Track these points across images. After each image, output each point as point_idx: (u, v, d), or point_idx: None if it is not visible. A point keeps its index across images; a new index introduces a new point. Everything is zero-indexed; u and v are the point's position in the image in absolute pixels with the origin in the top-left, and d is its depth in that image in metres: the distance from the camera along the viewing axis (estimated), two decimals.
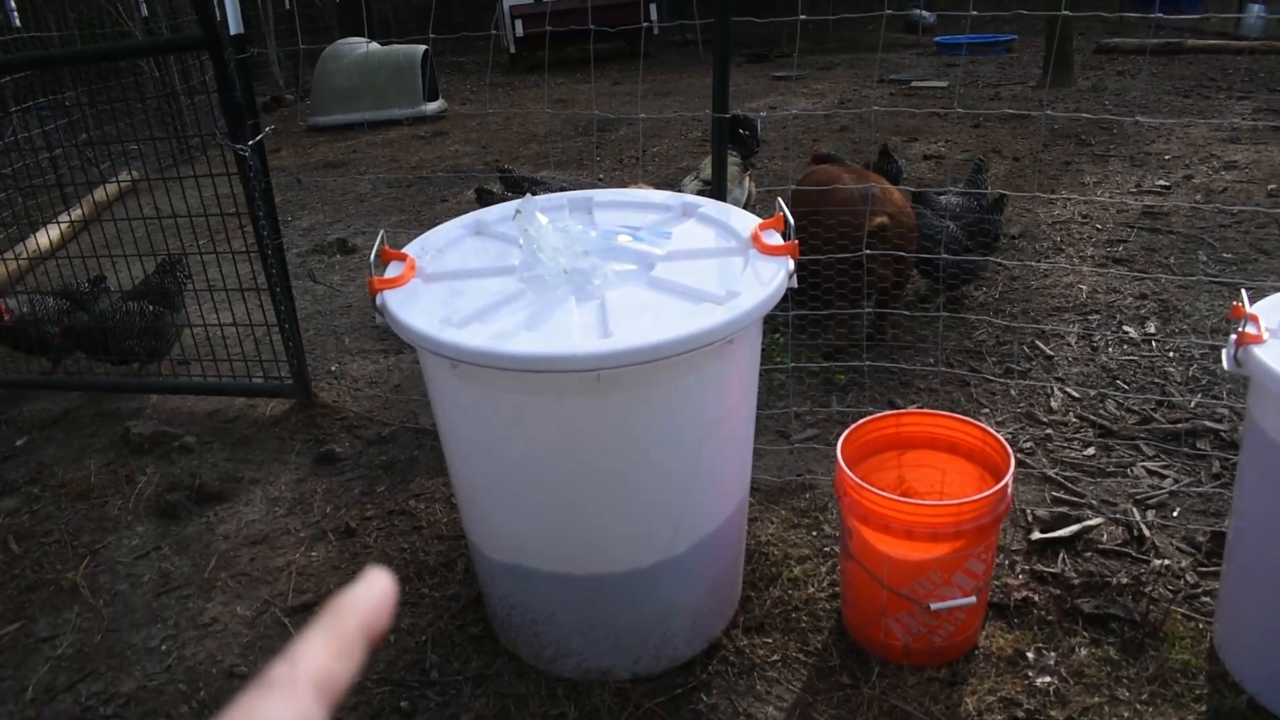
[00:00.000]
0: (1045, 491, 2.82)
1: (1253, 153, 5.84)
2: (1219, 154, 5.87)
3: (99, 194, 5.57)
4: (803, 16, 2.83)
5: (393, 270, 2.09)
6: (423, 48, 8.72)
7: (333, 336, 4.21)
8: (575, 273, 1.99)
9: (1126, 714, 2.05)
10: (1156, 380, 3.36)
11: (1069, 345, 3.65)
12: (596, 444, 1.93)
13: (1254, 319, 1.91)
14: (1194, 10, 10.39)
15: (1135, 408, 3.19)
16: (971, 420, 2.28)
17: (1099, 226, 4.83)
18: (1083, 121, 6.72)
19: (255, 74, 3.13)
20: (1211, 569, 2.44)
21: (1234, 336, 1.91)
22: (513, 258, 2.12)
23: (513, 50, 11.20)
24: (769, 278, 1.96)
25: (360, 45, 8.92)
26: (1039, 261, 4.43)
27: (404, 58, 8.77)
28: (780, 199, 2.22)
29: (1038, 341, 3.68)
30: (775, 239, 2.11)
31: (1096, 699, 2.09)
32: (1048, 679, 2.15)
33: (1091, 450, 2.99)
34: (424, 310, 1.92)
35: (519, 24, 10.78)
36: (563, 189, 3.74)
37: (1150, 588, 2.38)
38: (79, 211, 5.12)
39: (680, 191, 4.22)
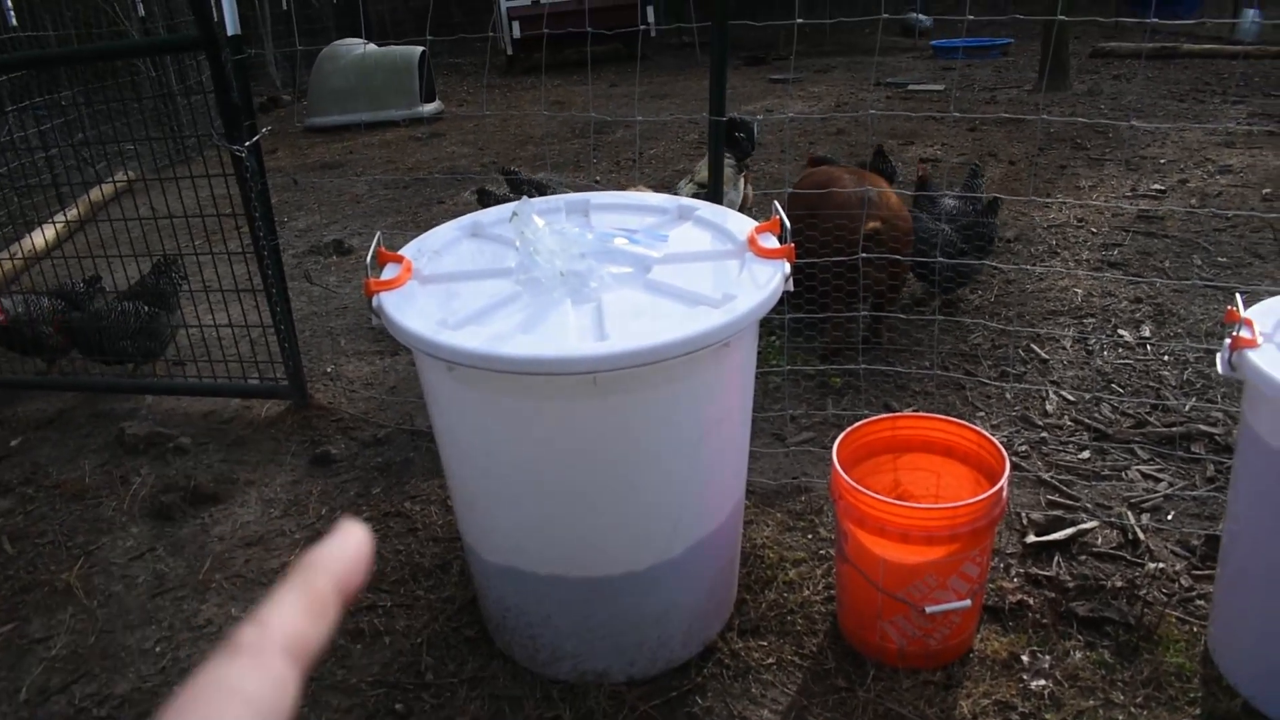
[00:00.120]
0: (1040, 495, 2.82)
1: (1247, 157, 5.86)
2: (1214, 158, 5.88)
3: (95, 194, 5.56)
4: (800, 20, 2.83)
5: (389, 272, 2.09)
6: (420, 49, 8.71)
7: (328, 338, 4.21)
8: (572, 275, 1.99)
9: (1121, 717, 2.06)
10: (1151, 384, 3.36)
11: (1064, 349, 3.66)
12: (592, 447, 1.93)
13: (1248, 323, 1.92)
14: (1190, 15, 10.41)
15: (1130, 411, 3.20)
16: (967, 424, 2.28)
17: (1094, 230, 4.84)
18: (1078, 125, 6.73)
19: (252, 74, 3.13)
20: (1206, 572, 2.44)
21: (1228, 340, 1.91)
22: (509, 260, 2.12)
23: (510, 52, 11.20)
24: (765, 281, 1.96)
25: (357, 46, 8.92)
26: (1034, 265, 4.44)
27: (401, 59, 8.77)
28: (777, 202, 2.22)
29: (1033, 345, 3.69)
30: (772, 242, 2.11)
31: (1091, 702, 2.10)
32: (1042, 682, 2.15)
33: (1086, 454, 3.00)
34: (420, 312, 1.91)
35: (516, 25, 10.78)
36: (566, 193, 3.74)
37: (1145, 591, 2.38)
38: (75, 211, 5.11)
39: (676, 194, 4.23)
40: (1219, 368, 1.94)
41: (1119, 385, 3.37)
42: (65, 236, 4.73)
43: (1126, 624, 2.29)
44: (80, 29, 7.36)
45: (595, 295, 1.97)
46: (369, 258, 2.10)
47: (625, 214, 2.38)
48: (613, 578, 2.09)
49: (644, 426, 1.92)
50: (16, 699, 2.33)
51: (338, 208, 6.28)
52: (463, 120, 8.98)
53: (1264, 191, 5.21)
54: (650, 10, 10.67)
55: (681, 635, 2.23)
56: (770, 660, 2.26)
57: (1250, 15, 9.89)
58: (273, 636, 0.44)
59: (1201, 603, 2.35)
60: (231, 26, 3.05)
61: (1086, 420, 3.16)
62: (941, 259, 3.46)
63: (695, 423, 1.98)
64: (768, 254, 2.07)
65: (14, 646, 2.50)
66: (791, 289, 2.06)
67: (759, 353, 2.28)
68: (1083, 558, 2.54)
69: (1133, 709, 2.08)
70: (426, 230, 2.33)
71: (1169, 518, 2.68)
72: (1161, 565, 2.48)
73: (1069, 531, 2.61)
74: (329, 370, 3.90)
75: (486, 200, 4.21)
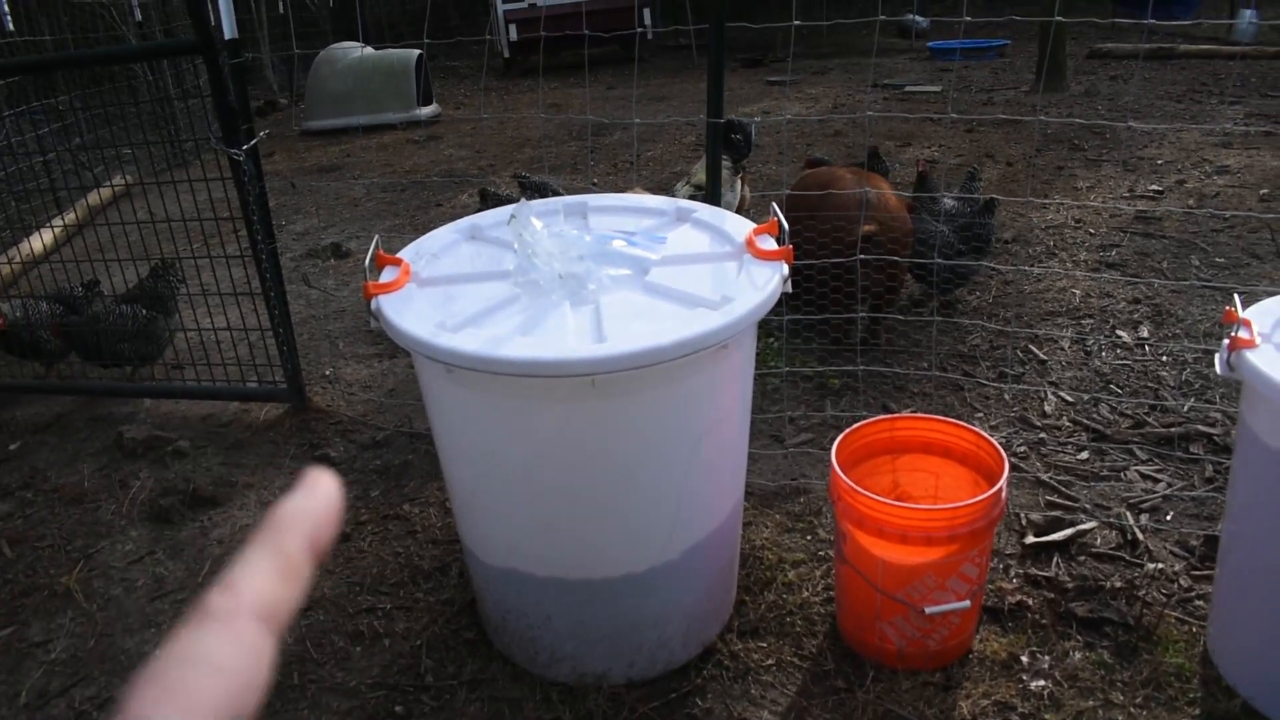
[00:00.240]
0: (1039, 496, 2.82)
1: (1245, 158, 5.87)
2: (1211, 159, 5.89)
3: (92, 198, 5.55)
4: (797, 22, 2.83)
5: (387, 275, 2.09)
6: (417, 52, 8.72)
7: (327, 341, 4.21)
8: (570, 277, 1.99)
9: (1120, 717, 2.06)
10: (1150, 384, 3.37)
11: (1062, 350, 3.66)
12: (591, 449, 1.93)
13: (1246, 324, 1.92)
14: (1186, 16, 10.42)
15: (1128, 412, 3.20)
16: (965, 424, 2.28)
17: (1092, 231, 4.85)
18: (1076, 126, 6.74)
19: (249, 78, 3.14)
20: (1205, 573, 2.44)
21: (1227, 341, 1.91)
22: (507, 262, 2.12)
23: (507, 55, 11.20)
24: (763, 282, 1.96)
25: (354, 49, 8.92)
26: (1032, 266, 4.44)
27: (398, 62, 8.77)
28: (775, 204, 2.23)
29: (1031, 346, 3.69)
30: (770, 244, 2.12)
31: (1090, 703, 2.10)
32: (1042, 683, 2.15)
33: (1085, 454, 3.00)
34: (419, 315, 1.92)
35: (513, 29, 10.79)
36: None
37: (1144, 591, 2.38)
38: (72, 216, 5.11)
39: (673, 196, 4.23)
40: (1217, 368, 1.94)
41: (1117, 386, 3.37)
42: (63, 241, 4.73)
43: (1125, 624, 2.29)
44: (77, 34, 7.36)
45: (593, 297, 1.97)
46: (367, 261, 2.10)
47: (623, 216, 2.38)
48: (612, 579, 2.09)
49: (643, 428, 1.92)
50: (16, 703, 2.32)
51: (335, 211, 6.28)
52: (460, 123, 8.99)
53: (1261, 192, 5.21)
54: (647, 13, 10.68)
55: (681, 637, 2.23)
56: (770, 661, 2.27)
57: (1247, 16, 9.91)
58: (244, 602, 0.42)
59: (1200, 603, 2.35)
60: (229, 30, 3.05)
61: (1085, 421, 3.17)
62: (939, 260, 3.47)
63: (694, 424, 1.98)
64: (766, 255, 2.07)
65: (13, 650, 2.50)
66: (790, 290, 2.06)
67: (757, 354, 2.28)
68: (1082, 558, 2.54)
69: (1132, 709, 2.08)
70: (424, 233, 2.33)
71: (1168, 518, 2.68)
72: (1160, 566, 2.48)
73: (1068, 532, 2.61)
74: (328, 373, 3.89)
75: (488, 201, 4.21)
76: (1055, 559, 2.54)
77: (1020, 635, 2.29)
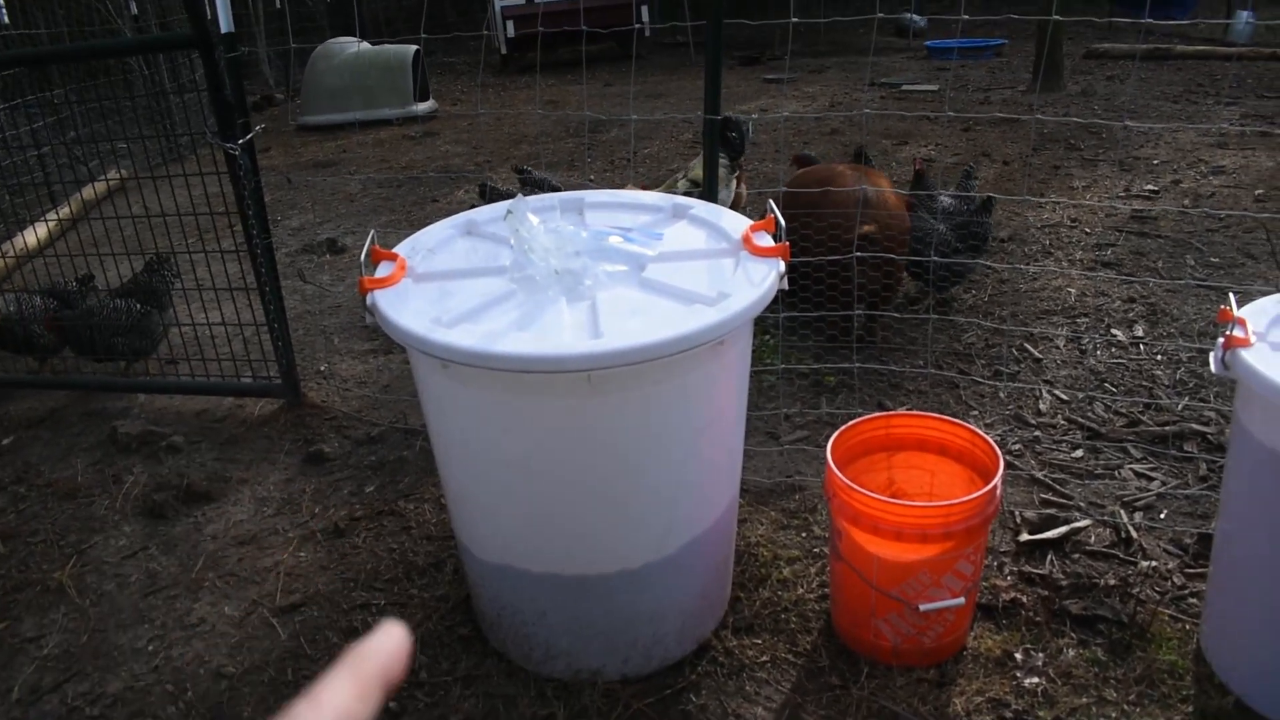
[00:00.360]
0: (1033, 493, 2.82)
1: (1240, 158, 5.88)
2: (1207, 159, 5.90)
3: (87, 192, 5.55)
4: (794, 19, 2.83)
5: (383, 270, 2.09)
6: (414, 48, 8.71)
7: (322, 336, 4.20)
8: (566, 273, 1.99)
9: (1114, 714, 2.06)
10: (1144, 383, 3.37)
11: (1057, 348, 3.67)
12: (587, 445, 1.93)
13: (1241, 322, 1.92)
14: (1183, 16, 10.43)
15: (1123, 410, 3.20)
16: (960, 422, 2.28)
17: (1088, 230, 4.85)
18: (1072, 126, 6.74)
19: (245, 73, 3.13)
20: (1198, 571, 2.45)
21: (1221, 340, 1.92)
22: (504, 258, 2.12)
23: (504, 51, 11.19)
24: (760, 279, 1.96)
25: (351, 45, 8.90)
26: (1028, 265, 4.45)
27: (395, 58, 8.76)
28: (771, 201, 2.22)
29: (1026, 344, 3.69)
30: (766, 240, 2.12)
31: (1084, 700, 2.10)
32: (1036, 680, 2.16)
33: (1079, 452, 3.00)
34: (414, 310, 1.91)
35: (510, 25, 10.77)
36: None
37: (1138, 589, 2.39)
38: (67, 210, 5.10)
39: (673, 188, 4.23)
40: (1212, 367, 1.94)
41: (1112, 384, 3.38)
42: (57, 235, 4.72)
43: (1119, 622, 2.29)
44: (73, 27, 7.34)
45: (590, 293, 1.96)
46: (363, 256, 2.09)
47: (620, 212, 2.38)
48: (607, 576, 2.09)
49: (639, 424, 1.92)
50: (9, 698, 2.32)
51: (331, 206, 6.27)
52: (457, 119, 8.98)
53: (1256, 192, 5.22)
54: (645, 10, 10.67)
55: (676, 633, 2.23)
56: (764, 658, 2.27)
57: (1243, 17, 9.93)
58: (324, 712, 0.50)
59: (1194, 601, 2.36)
60: (225, 24, 3.04)
61: (1080, 419, 3.17)
62: (936, 258, 3.47)
63: (690, 421, 1.98)
64: (762, 252, 2.07)
65: (6, 645, 2.49)
66: (786, 287, 2.06)
67: (753, 351, 2.27)
68: (1076, 556, 2.54)
69: (1125, 706, 2.08)
70: (420, 229, 2.32)
71: (1162, 516, 2.69)
72: (1154, 563, 2.49)
73: (1062, 530, 2.61)
74: (322, 369, 3.89)
75: (488, 196, 4.20)
76: (1049, 556, 2.54)
77: (1014, 632, 2.30)
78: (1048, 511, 2.71)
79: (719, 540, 2.25)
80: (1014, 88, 8.53)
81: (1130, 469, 2.90)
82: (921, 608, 2.06)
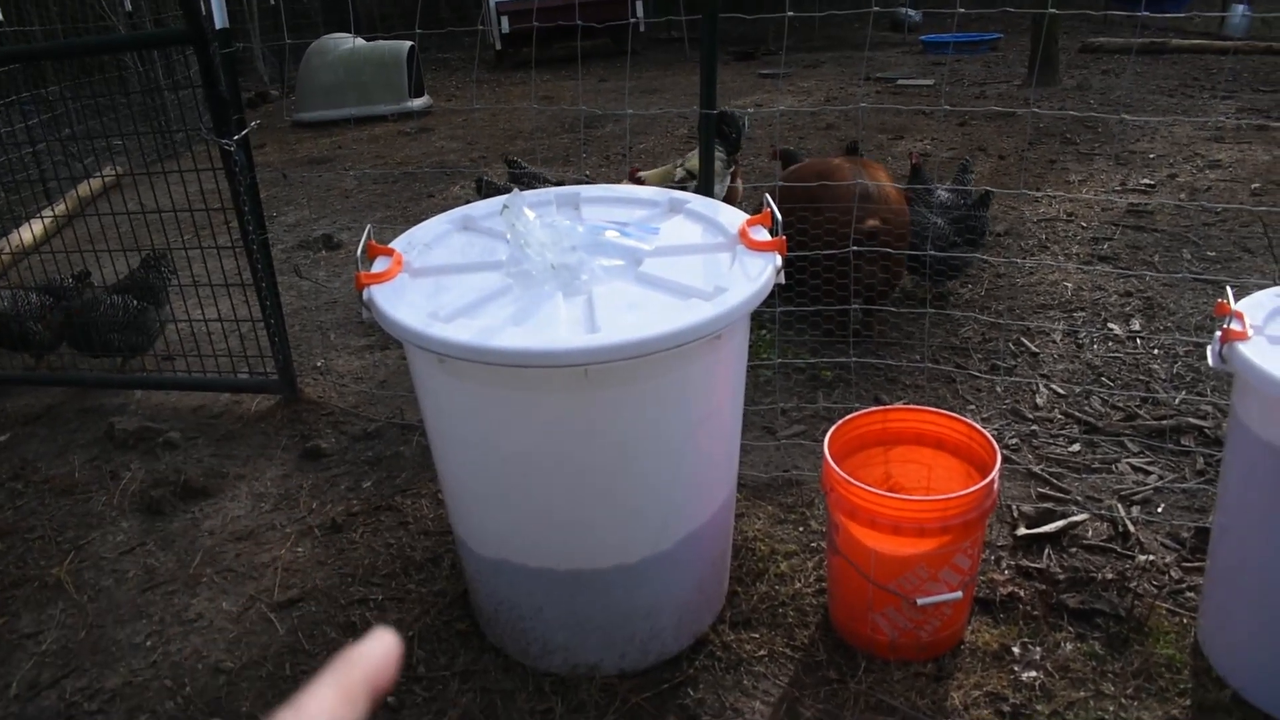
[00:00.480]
0: (1031, 487, 2.83)
1: (1236, 152, 5.88)
2: (1203, 153, 5.90)
3: (82, 189, 5.54)
4: (790, 13, 2.83)
5: (379, 265, 2.09)
6: (408, 44, 8.70)
7: (318, 332, 4.20)
8: (562, 268, 1.99)
9: (1111, 708, 2.06)
10: (1141, 377, 3.38)
11: (1054, 342, 3.67)
12: (584, 440, 1.93)
13: (1239, 315, 1.92)
14: (1179, 10, 10.44)
15: (1120, 404, 3.21)
16: (958, 416, 2.28)
17: (1084, 224, 4.86)
18: (1068, 120, 6.75)
19: (240, 69, 3.12)
20: (1196, 564, 2.45)
21: (1219, 333, 1.92)
22: (500, 253, 2.12)
23: (498, 47, 11.18)
24: (756, 273, 1.96)
25: (346, 41, 8.89)
26: (1024, 259, 4.45)
27: (389, 54, 8.75)
28: (767, 195, 2.22)
29: (1023, 338, 3.70)
30: (763, 235, 2.11)
31: (1082, 693, 2.10)
32: (1033, 674, 2.16)
33: (1077, 446, 3.01)
34: (411, 305, 1.91)
35: (505, 20, 10.76)
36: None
37: (1135, 583, 2.39)
38: (62, 206, 5.09)
39: (670, 175, 4.23)
40: (1209, 360, 1.95)
41: (1109, 378, 3.38)
42: (53, 231, 4.71)
43: (1117, 616, 2.29)
44: (67, 23, 7.32)
45: (586, 288, 1.96)
46: (359, 251, 2.09)
47: (616, 207, 2.38)
48: (604, 570, 2.09)
49: (635, 419, 1.92)
50: (7, 694, 2.32)
51: (327, 202, 6.27)
52: (451, 115, 8.97)
53: (1253, 186, 5.23)
54: (639, 5, 10.66)
55: (673, 628, 2.24)
56: (762, 652, 2.27)
57: (1239, 10, 9.93)
58: None
59: (1191, 594, 2.36)
60: (220, 20, 3.04)
61: (1077, 413, 3.17)
62: (933, 252, 3.47)
63: (687, 415, 1.98)
64: (759, 246, 2.07)
65: (4, 641, 2.49)
66: (783, 282, 2.06)
67: (750, 346, 2.27)
68: (1073, 550, 2.55)
69: (1123, 700, 2.08)
70: (416, 224, 2.32)
71: (1159, 510, 2.69)
72: (1151, 557, 2.49)
73: (1059, 524, 2.61)
74: (319, 364, 3.89)
75: (485, 190, 4.20)
76: (1047, 551, 2.54)
77: (1012, 626, 2.30)
78: (1045, 506, 2.71)
79: (716, 535, 2.25)
80: (1009, 82, 8.53)
81: (1127, 463, 2.91)
82: (919, 602, 2.07)
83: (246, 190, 3.21)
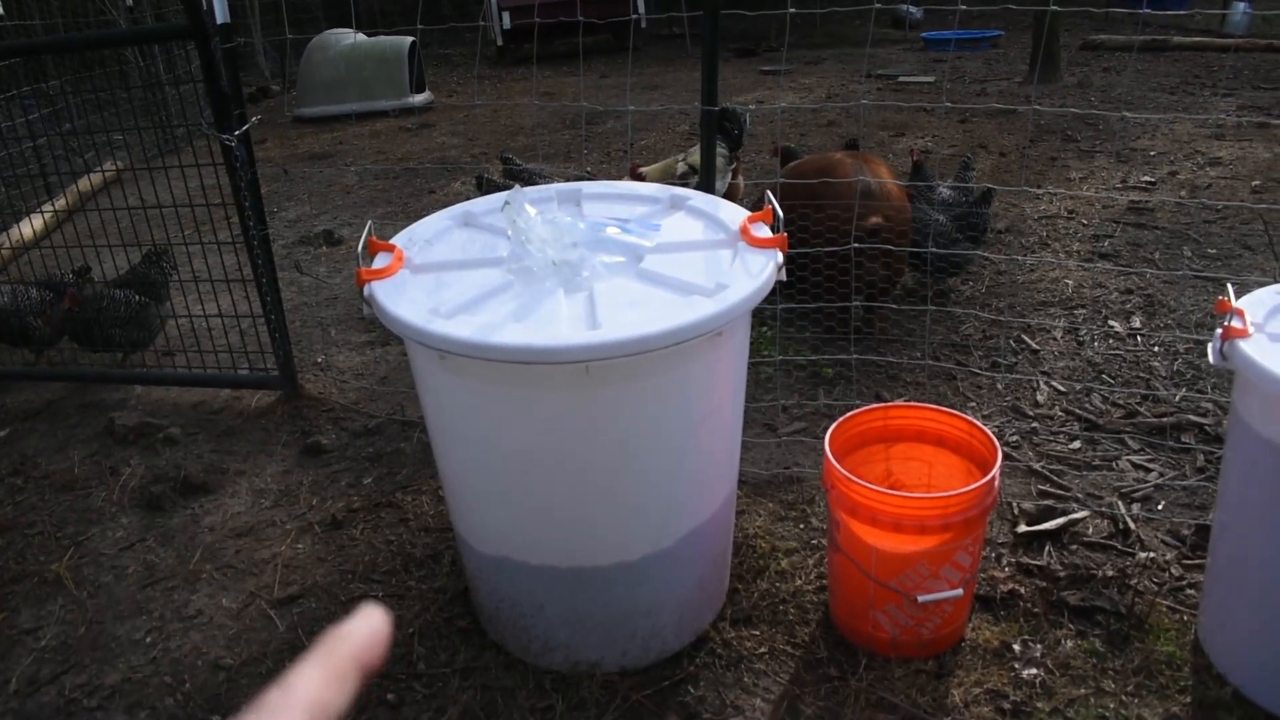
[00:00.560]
0: (1031, 485, 2.83)
1: (1237, 149, 5.88)
2: (1204, 150, 5.90)
3: (83, 184, 5.53)
4: (791, 10, 2.83)
5: (380, 261, 2.08)
6: (410, 39, 8.69)
7: (319, 328, 4.19)
8: (564, 264, 1.99)
9: (1112, 705, 2.06)
10: (1141, 374, 3.38)
11: (1055, 339, 3.67)
12: (585, 436, 1.93)
13: (1240, 313, 1.92)
14: (1180, 7, 10.43)
15: (1120, 402, 3.21)
16: (958, 413, 2.28)
17: (1085, 222, 4.85)
18: (1069, 117, 6.74)
19: (240, 64, 3.11)
20: (1196, 562, 2.45)
21: (1220, 330, 1.91)
22: (501, 249, 2.11)
23: (500, 43, 11.16)
24: (758, 270, 1.95)
25: (347, 36, 8.88)
26: (1025, 256, 4.45)
27: (391, 49, 8.74)
28: (769, 192, 2.22)
29: (1024, 336, 3.70)
30: (764, 232, 2.11)
31: (1082, 690, 2.10)
32: (1034, 671, 2.16)
33: (1077, 444, 3.01)
34: (412, 301, 1.91)
35: (506, 16, 10.75)
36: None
37: (1135, 580, 2.39)
38: (63, 201, 5.09)
39: (673, 168, 4.23)
40: (1210, 358, 1.94)
41: (1109, 376, 3.38)
42: (53, 227, 4.71)
43: (1117, 613, 2.29)
44: (67, 18, 7.31)
45: (587, 284, 1.96)
46: (360, 247, 2.09)
47: (617, 203, 2.37)
48: (605, 568, 2.09)
49: (636, 416, 1.92)
50: (6, 690, 2.31)
51: (327, 198, 6.26)
52: (453, 111, 8.96)
53: (1253, 183, 5.23)
54: (641, 1, 10.65)
55: (674, 625, 2.23)
56: (762, 650, 2.27)
57: (1240, 8, 9.93)
58: (296, 700, 0.49)
59: (1192, 592, 2.36)
60: (221, 15, 3.03)
61: (1077, 410, 3.17)
62: (935, 249, 3.46)
63: (688, 412, 1.98)
64: (760, 243, 2.06)
65: (4, 637, 2.49)
66: (784, 279, 2.06)
67: (751, 343, 2.27)
68: (1074, 547, 2.55)
69: (1124, 697, 2.08)
70: (417, 220, 2.32)
71: (1159, 507, 2.69)
72: (1152, 555, 2.49)
73: (1060, 521, 2.61)
74: (319, 360, 3.88)
75: (485, 187, 4.19)
76: (1047, 548, 2.54)
77: (1012, 624, 2.30)
78: (1045, 503, 2.71)
79: (717, 532, 2.25)
80: (1010, 79, 8.52)
81: (1128, 460, 2.91)
82: (920, 599, 2.07)
83: (247, 185, 3.21)
